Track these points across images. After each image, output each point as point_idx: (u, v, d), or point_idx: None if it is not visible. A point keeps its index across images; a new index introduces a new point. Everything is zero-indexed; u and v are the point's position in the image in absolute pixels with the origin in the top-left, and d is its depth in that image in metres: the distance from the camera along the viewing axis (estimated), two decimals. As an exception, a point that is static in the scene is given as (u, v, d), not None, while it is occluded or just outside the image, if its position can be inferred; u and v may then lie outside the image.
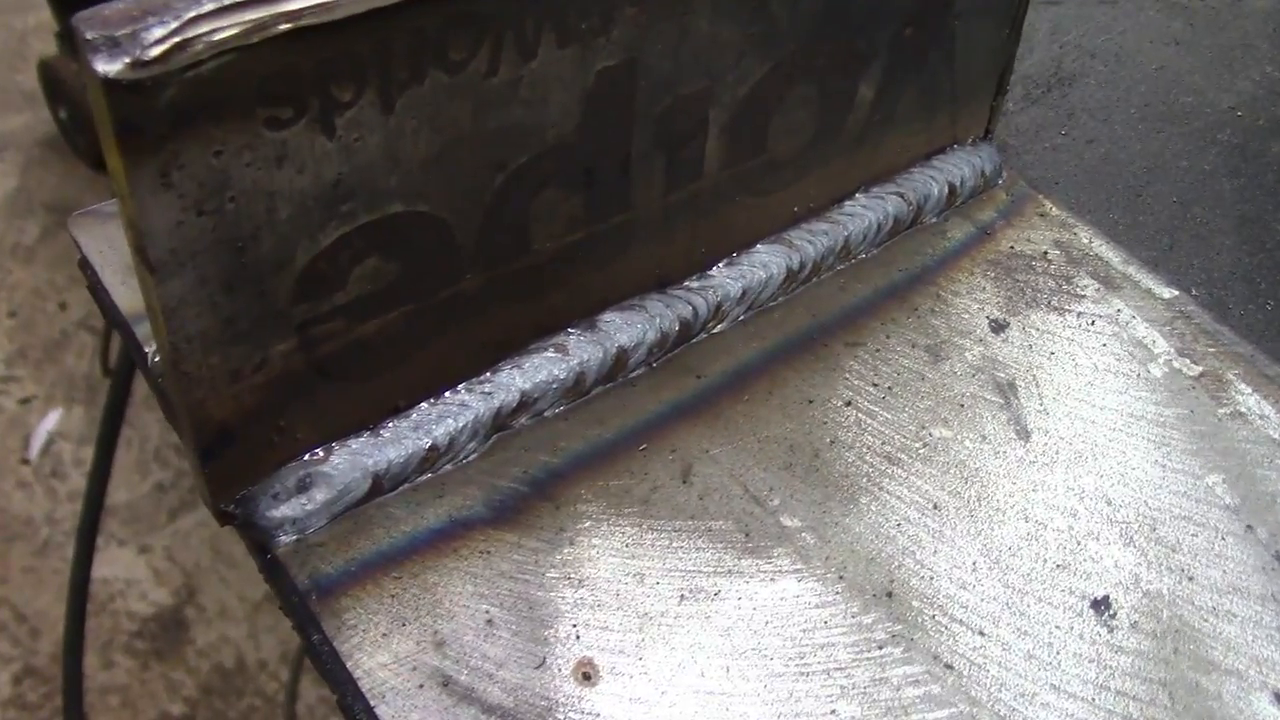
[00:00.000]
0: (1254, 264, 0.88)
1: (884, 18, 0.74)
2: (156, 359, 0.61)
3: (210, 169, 0.51)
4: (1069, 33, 1.07)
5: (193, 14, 0.48)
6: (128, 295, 0.71)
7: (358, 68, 0.53)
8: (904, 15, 0.75)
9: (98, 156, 0.54)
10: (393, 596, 0.62)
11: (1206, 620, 0.64)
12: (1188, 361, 0.77)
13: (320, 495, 0.64)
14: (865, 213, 0.81)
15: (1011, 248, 0.83)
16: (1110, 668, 0.62)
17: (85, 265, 0.76)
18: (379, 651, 0.59)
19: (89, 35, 0.46)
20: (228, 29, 0.48)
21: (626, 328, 0.72)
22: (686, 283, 0.75)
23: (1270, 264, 0.88)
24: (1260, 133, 0.99)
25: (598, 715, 0.58)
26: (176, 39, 0.47)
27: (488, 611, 0.61)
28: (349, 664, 0.59)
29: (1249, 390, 0.75)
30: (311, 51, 0.51)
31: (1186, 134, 0.98)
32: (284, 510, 0.63)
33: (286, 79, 0.51)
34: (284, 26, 0.50)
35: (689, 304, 0.74)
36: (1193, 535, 0.68)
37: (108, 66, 0.47)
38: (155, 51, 0.47)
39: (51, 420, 2.45)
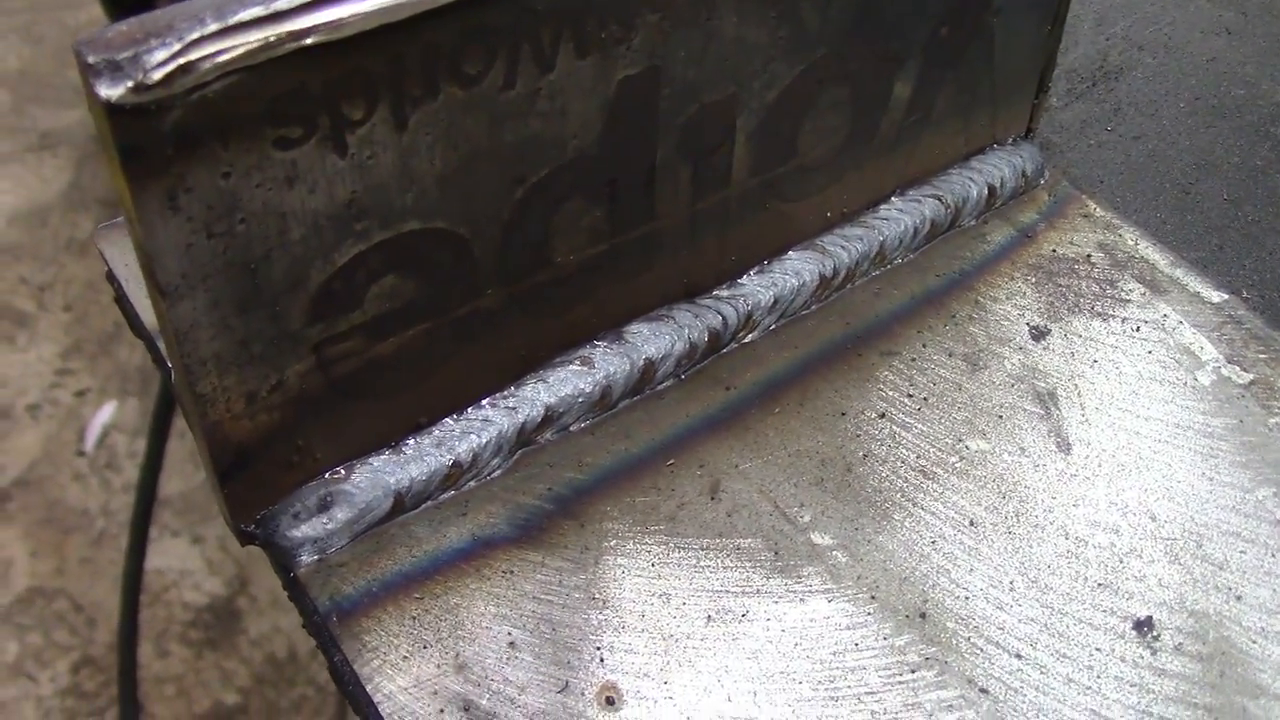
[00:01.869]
0: None
1: (919, 17, 0.72)
2: (175, 379, 0.60)
3: (219, 191, 0.51)
4: (1115, 24, 1.04)
5: (196, 35, 0.47)
6: (152, 309, 0.71)
7: (369, 85, 0.52)
8: (940, 14, 0.73)
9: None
10: (414, 618, 0.61)
11: (1255, 642, 0.62)
12: (1237, 369, 0.74)
13: (341, 514, 0.63)
14: (901, 217, 0.79)
15: (1053, 251, 0.81)
16: (1153, 692, 0.60)
17: (112, 278, 0.76)
18: (399, 675, 0.59)
19: (91, 59, 0.46)
20: (233, 50, 0.48)
21: (654, 339, 0.71)
22: (716, 292, 0.74)
23: (1326, 264, 0.85)
24: None
25: (621, 742, 0.57)
26: (180, 61, 0.47)
27: (510, 634, 0.60)
28: (369, 687, 0.58)
29: (1302, 398, 0.72)
30: (320, 70, 0.51)
31: (1238, 128, 0.95)
32: (305, 530, 0.62)
33: (295, 98, 0.51)
34: (291, 46, 0.49)
35: (718, 313, 0.73)
36: (1241, 552, 0.66)
37: (110, 91, 0.46)
38: (158, 75, 0.46)
39: (106, 413, 2.49)
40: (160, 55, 0.46)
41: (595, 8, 0.57)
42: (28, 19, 3.51)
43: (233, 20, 0.47)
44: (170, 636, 2.15)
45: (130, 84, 0.46)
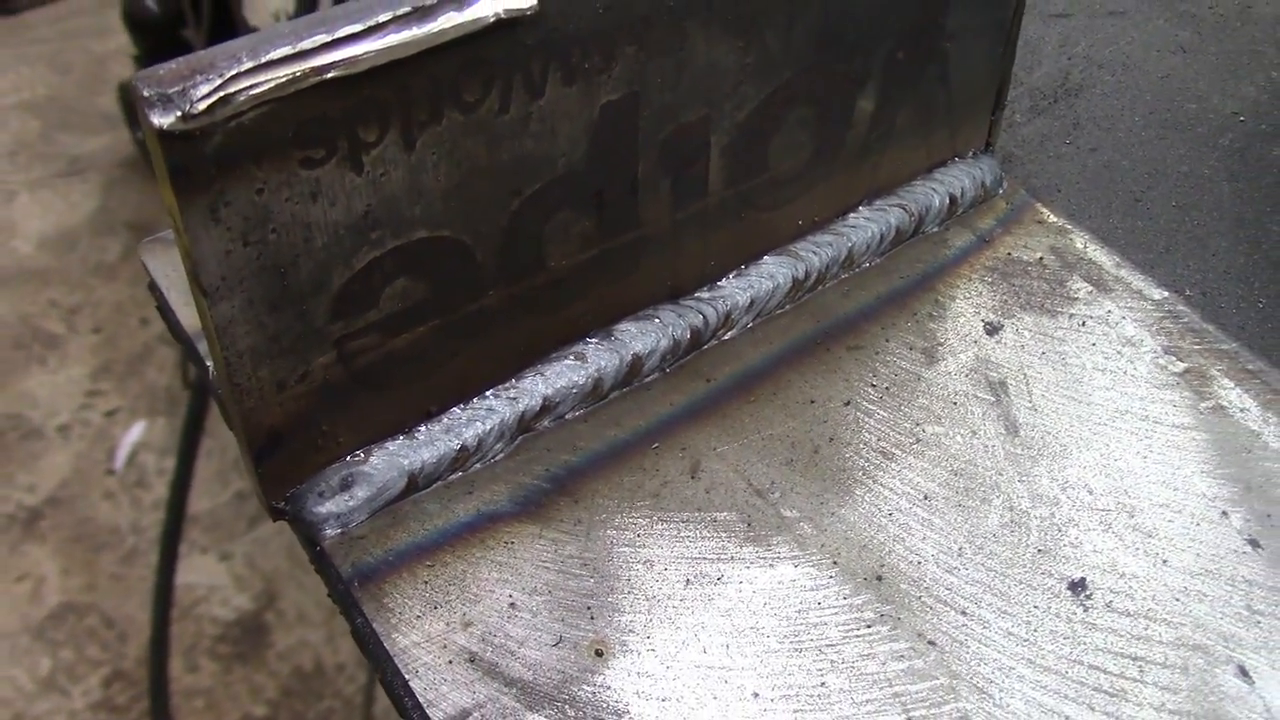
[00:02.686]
0: (1248, 264, 0.91)
1: (876, 42, 0.79)
2: (214, 372, 0.68)
3: (253, 205, 0.58)
4: (1078, 44, 1.11)
5: (234, 71, 0.55)
6: (190, 314, 0.78)
7: (381, 111, 0.60)
8: (895, 38, 0.79)
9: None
10: (426, 583, 0.68)
11: (1178, 600, 0.69)
12: (1173, 359, 0.81)
13: (361, 493, 0.70)
14: (868, 224, 0.86)
15: (1009, 254, 0.88)
16: (1084, 644, 0.67)
17: (154, 287, 0.83)
18: (413, 631, 0.66)
19: (146, 93, 0.54)
20: (265, 84, 0.55)
21: (641, 336, 0.78)
22: (697, 293, 0.80)
23: (1264, 264, 0.91)
24: (1261, 137, 1.02)
25: (609, 688, 0.64)
26: (221, 94, 0.54)
27: (511, 596, 0.68)
28: (386, 643, 0.65)
29: (1231, 385, 0.79)
30: (339, 99, 0.58)
31: (1189, 140, 1.02)
32: (329, 506, 0.70)
33: (318, 124, 0.58)
34: (314, 80, 0.57)
35: (700, 313, 0.80)
36: (1169, 521, 0.72)
37: (162, 119, 0.54)
38: (203, 106, 0.54)
39: (135, 432, 2.54)
40: (204, 89, 0.54)
41: (579, 41, 0.65)
42: (56, 47, 3.54)
43: (265, 58, 0.55)
44: (200, 651, 2.20)
45: (179, 114, 0.54)
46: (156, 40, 2.95)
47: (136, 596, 2.26)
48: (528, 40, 0.62)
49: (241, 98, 0.55)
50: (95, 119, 3.29)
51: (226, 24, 2.27)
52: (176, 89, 0.54)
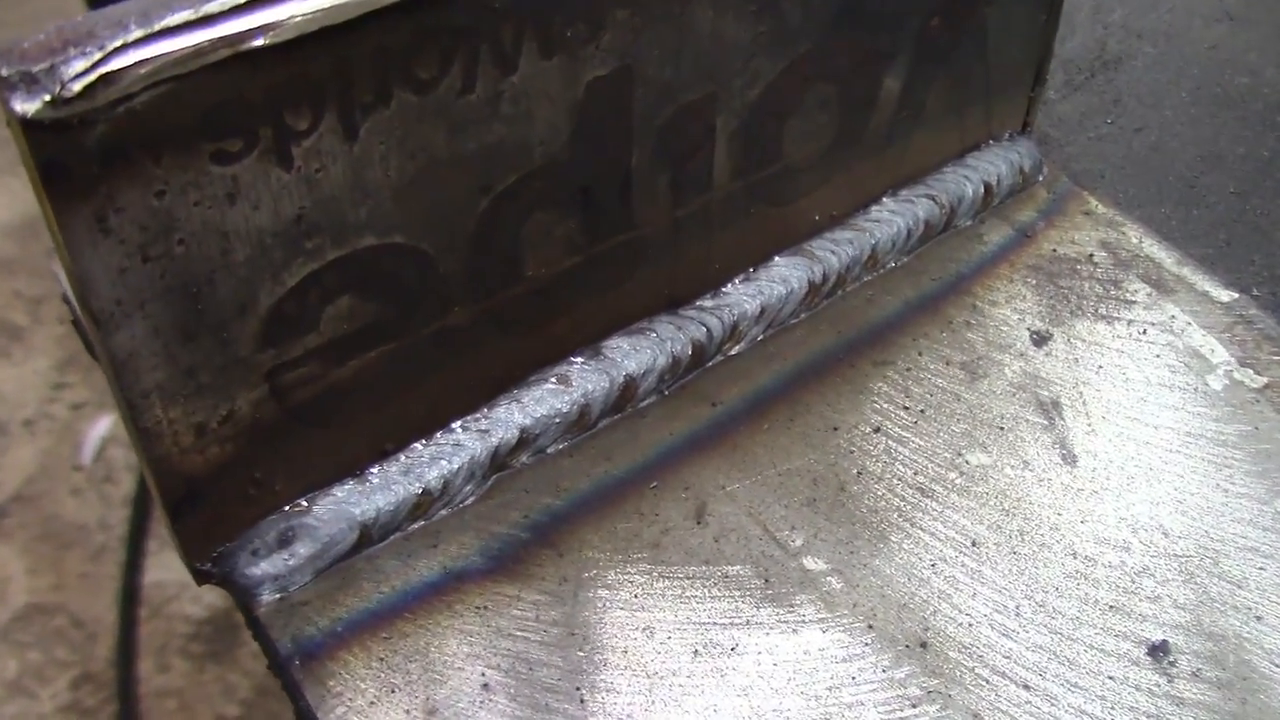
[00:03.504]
0: None
1: (908, 9, 0.69)
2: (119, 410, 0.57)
3: (152, 211, 0.47)
4: (1113, 11, 1.01)
5: (119, 42, 0.43)
6: None
7: (314, 92, 0.49)
8: (930, 5, 0.70)
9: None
10: (381, 660, 0.58)
11: (1278, 666, 0.59)
12: (1250, 372, 0.71)
13: (303, 549, 0.60)
14: (893, 218, 0.77)
15: (1054, 250, 0.78)
16: (1171, 723, 0.56)
17: (67, 299, 0.72)
18: None
19: (4, 71, 0.42)
20: (161, 58, 0.44)
21: (634, 354, 0.68)
22: (699, 302, 0.72)
23: (1339, 258, 0.81)
24: None
25: (603, 790, 0.54)
26: (102, 70, 0.43)
27: (484, 674, 0.57)
28: (334, 737, 0.55)
29: (1319, 402, 0.69)
30: (260, 77, 0.47)
31: (1243, 118, 0.93)
32: (264, 567, 0.59)
33: (233, 109, 0.47)
34: (225, 52, 0.45)
35: (702, 325, 0.70)
36: (1260, 569, 0.62)
37: (26, 105, 0.42)
38: (78, 86, 0.43)
39: (103, 426, 2.46)
40: (79, 65, 0.43)
41: (560, 4, 0.54)
42: (18, 33, 3.51)
43: (159, 25, 0.44)
44: (171, 650, 2.12)
45: (48, 97, 0.42)
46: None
47: (105, 595, 2.18)
48: (496, 3, 0.52)
49: (130, 76, 0.44)
50: (55, 104, 3.27)
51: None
52: (43, 66, 0.43)
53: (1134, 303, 0.75)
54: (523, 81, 0.55)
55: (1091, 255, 0.77)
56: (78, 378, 2.62)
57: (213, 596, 2.28)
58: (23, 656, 2.10)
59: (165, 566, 2.31)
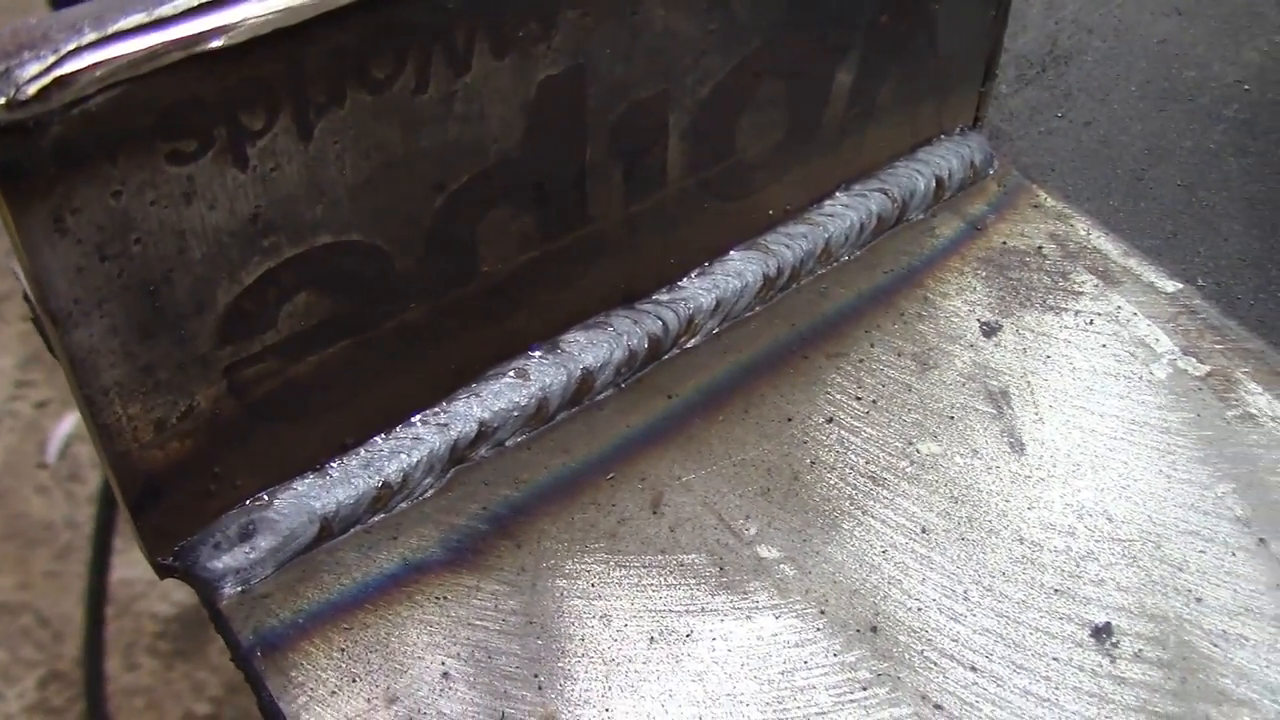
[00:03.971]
0: (1264, 249, 0.84)
1: (858, 5, 0.70)
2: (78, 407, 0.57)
3: (109, 211, 0.48)
4: (1065, 7, 1.03)
5: (73, 45, 0.44)
6: None
7: (268, 93, 0.50)
8: (880, 1, 0.70)
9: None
10: (342, 650, 0.59)
11: (1217, 646, 0.60)
12: (1194, 360, 0.73)
13: (264, 542, 0.61)
14: (846, 212, 0.78)
15: (1004, 243, 0.79)
16: (1113, 702, 0.58)
17: (27, 298, 0.72)
18: (327, 711, 0.57)
19: (-41, 74, 0.43)
20: (115, 60, 0.45)
21: (591, 347, 0.69)
22: (655, 296, 0.73)
23: (1281, 248, 0.83)
24: (1269, 107, 0.94)
25: (561, 774, 0.55)
26: (56, 73, 0.44)
27: (444, 664, 0.58)
28: (295, 728, 0.56)
29: (1259, 389, 0.71)
30: (214, 78, 0.48)
31: (1190, 111, 0.94)
32: (226, 560, 0.60)
33: (187, 110, 0.48)
34: (179, 54, 0.46)
35: (658, 319, 0.71)
36: (1200, 552, 0.64)
37: (-19, 107, 0.43)
38: (33, 89, 0.44)
39: (68, 424, 2.44)
40: (34, 69, 0.43)
41: (512, 4, 0.55)
42: None
43: (112, 28, 0.44)
44: (139, 648, 2.12)
45: (2, 100, 0.43)
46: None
47: (72, 594, 2.17)
48: (448, 3, 0.53)
49: (85, 78, 0.45)
50: (16, 101, 3.24)
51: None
52: (-1, 68, 0.43)
53: (1081, 294, 0.76)
54: (476, 81, 0.56)
55: (1040, 248, 0.79)
56: (41, 376, 2.60)
57: (181, 594, 2.28)
58: (-11, 656, 2.13)
59: (132, 564, 2.29)
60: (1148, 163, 0.90)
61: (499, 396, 0.67)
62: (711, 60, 0.65)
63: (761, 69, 0.68)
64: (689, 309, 0.72)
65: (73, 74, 0.44)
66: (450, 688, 0.57)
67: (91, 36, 0.44)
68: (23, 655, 2.11)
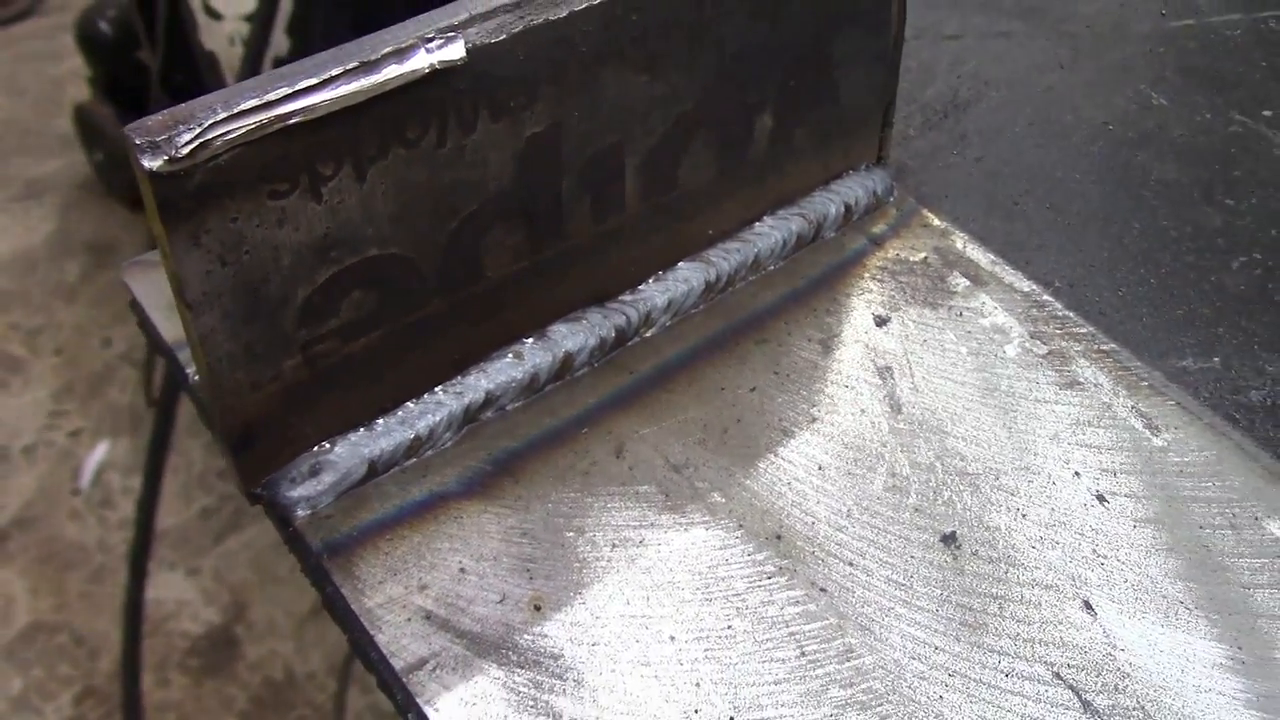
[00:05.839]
0: (1111, 259, 1.01)
1: (769, 74, 0.89)
2: (196, 377, 0.78)
3: (229, 231, 0.67)
4: (967, 63, 1.20)
5: (211, 121, 0.65)
6: (169, 328, 0.86)
7: (336, 149, 0.67)
8: (786, 71, 0.90)
9: (134, 196, 0.70)
10: (386, 554, 0.76)
11: (1034, 548, 0.80)
12: (1038, 343, 0.91)
13: (328, 478, 0.76)
14: (773, 232, 0.93)
15: (897, 255, 0.98)
16: (952, 586, 0.77)
17: (135, 305, 0.93)
18: (376, 594, 0.75)
19: (137, 140, 0.64)
20: (237, 130, 0.65)
21: (572, 336, 0.84)
22: (621, 297, 0.87)
23: (1125, 257, 1.02)
24: (1128, 144, 1.12)
25: (546, 636, 0.74)
26: (200, 140, 0.64)
27: (460, 562, 0.77)
28: (354, 605, 0.74)
29: (1087, 364, 0.90)
30: (300, 141, 0.66)
31: (1063, 148, 1.11)
32: (299, 491, 0.76)
33: (282, 162, 0.65)
34: (279, 125, 0.67)
35: (623, 315, 0.86)
36: (1028, 482, 0.83)
37: (152, 163, 0.64)
38: (185, 150, 0.64)
39: (100, 452, 2.57)
40: (187, 137, 0.64)
41: (505, 84, 0.75)
42: (10, 70, 3.45)
43: (237, 109, 0.65)
44: (170, 665, 2.23)
45: (166, 158, 0.64)
46: (111, 62, 2.92)
47: (105, 613, 2.30)
48: (460, 85, 0.70)
49: (218, 143, 0.64)
50: (51, 141, 3.29)
51: (181, 47, 2.26)
52: (163, 137, 0.64)
53: (955, 293, 0.96)
54: (479, 138, 0.73)
55: (925, 258, 0.99)
56: (74, 406, 2.68)
57: (209, 613, 2.34)
58: (27, 673, 2.22)
59: (163, 585, 2.35)
60: (1024, 190, 1.07)
61: (501, 373, 0.82)
62: (655, 117, 0.81)
63: (695, 122, 0.83)
64: (647, 307, 0.87)
65: (210, 140, 0.65)
66: (465, 578, 0.77)
67: (223, 115, 0.65)
68: (59, 673, 2.22)
